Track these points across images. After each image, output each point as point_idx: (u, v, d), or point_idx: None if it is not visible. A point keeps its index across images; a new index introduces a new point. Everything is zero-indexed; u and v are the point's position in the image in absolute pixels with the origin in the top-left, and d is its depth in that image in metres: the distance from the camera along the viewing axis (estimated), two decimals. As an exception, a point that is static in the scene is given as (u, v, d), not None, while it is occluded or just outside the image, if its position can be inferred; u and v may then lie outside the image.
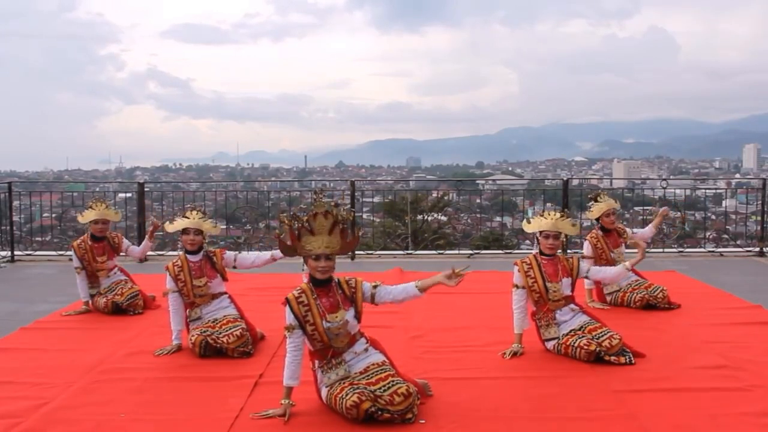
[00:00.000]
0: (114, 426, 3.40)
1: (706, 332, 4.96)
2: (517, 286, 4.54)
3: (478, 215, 13.15)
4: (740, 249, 9.43)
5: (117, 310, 5.58)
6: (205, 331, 4.51)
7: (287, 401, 3.49)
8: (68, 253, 8.92)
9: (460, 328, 5.15)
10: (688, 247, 9.43)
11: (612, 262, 5.70)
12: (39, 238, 10.85)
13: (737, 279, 7.16)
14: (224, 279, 4.88)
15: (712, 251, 9.16)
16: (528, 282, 4.50)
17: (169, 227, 4.89)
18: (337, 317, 3.50)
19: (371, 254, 9.18)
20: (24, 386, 3.94)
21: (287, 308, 3.52)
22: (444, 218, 14.85)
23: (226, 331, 4.51)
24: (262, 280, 6.82)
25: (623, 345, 4.30)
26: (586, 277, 4.74)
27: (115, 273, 5.92)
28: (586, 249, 5.85)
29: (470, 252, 9.33)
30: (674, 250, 9.12)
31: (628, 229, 6.05)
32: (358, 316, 3.60)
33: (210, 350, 4.44)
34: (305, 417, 3.47)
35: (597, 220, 5.92)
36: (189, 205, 5.11)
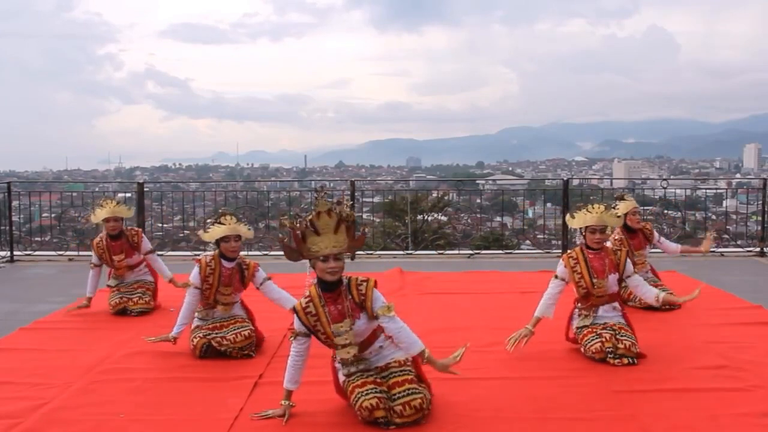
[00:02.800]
0: (113, 426, 3.40)
1: (706, 332, 4.95)
2: (557, 277, 4.53)
3: (479, 215, 13.14)
4: (741, 249, 9.42)
5: (122, 313, 5.57)
6: (208, 334, 4.46)
7: (287, 402, 3.47)
8: (67, 253, 8.99)
9: (460, 328, 5.13)
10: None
11: (635, 264, 5.75)
12: (38, 239, 10.84)
13: (738, 279, 7.15)
14: (245, 288, 4.76)
15: (713, 251, 9.14)
16: (574, 278, 4.48)
17: (206, 236, 4.61)
18: (341, 327, 3.37)
19: (371, 254, 9.17)
20: (23, 387, 3.93)
21: (298, 320, 3.45)
22: (444, 218, 14.84)
23: (234, 330, 4.46)
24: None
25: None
26: (627, 279, 4.63)
27: (142, 270, 5.81)
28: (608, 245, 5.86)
29: (470, 252, 9.32)
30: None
31: (656, 234, 6.03)
32: (371, 318, 3.43)
33: (211, 353, 4.41)
34: (305, 417, 3.46)
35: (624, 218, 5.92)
36: (221, 209, 4.82)
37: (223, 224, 4.54)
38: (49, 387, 3.90)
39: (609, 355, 4.22)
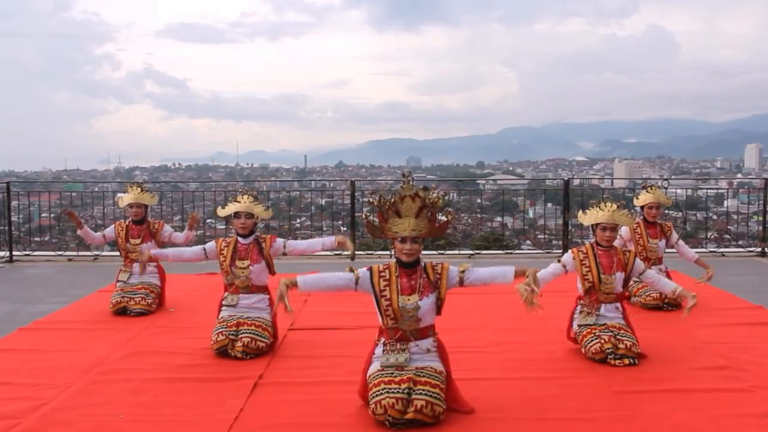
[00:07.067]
0: (112, 427, 3.39)
1: (707, 333, 4.94)
2: (559, 261, 4.54)
3: (479, 215, 13.12)
4: (742, 249, 9.42)
5: (122, 312, 5.55)
6: (230, 334, 4.43)
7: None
8: (66, 253, 9.00)
9: (460, 328, 5.12)
10: (689, 247, 9.39)
11: (647, 250, 5.84)
12: (37, 239, 10.84)
13: (739, 279, 7.14)
14: (271, 272, 4.81)
15: (714, 251, 9.15)
16: (582, 270, 4.50)
17: (221, 212, 4.87)
18: (409, 300, 3.47)
19: (371, 254, 9.16)
20: (22, 387, 3.92)
21: (368, 275, 3.52)
22: (444, 218, 14.80)
23: (251, 333, 4.43)
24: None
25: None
26: (638, 279, 4.67)
27: (151, 272, 5.81)
28: (624, 232, 5.85)
29: (471, 252, 9.31)
30: (675, 250, 9.09)
31: (675, 235, 6.02)
32: (439, 304, 3.53)
33: (223, 354, 4.41)
34: (306, 418, 3.46)
35: (641, 209, 5.98)
36: (240, 189, 4.99)
37: (239, 202, 4.77)
38: (49, 387, 3.90)
39: (610, 356, 4.22)
